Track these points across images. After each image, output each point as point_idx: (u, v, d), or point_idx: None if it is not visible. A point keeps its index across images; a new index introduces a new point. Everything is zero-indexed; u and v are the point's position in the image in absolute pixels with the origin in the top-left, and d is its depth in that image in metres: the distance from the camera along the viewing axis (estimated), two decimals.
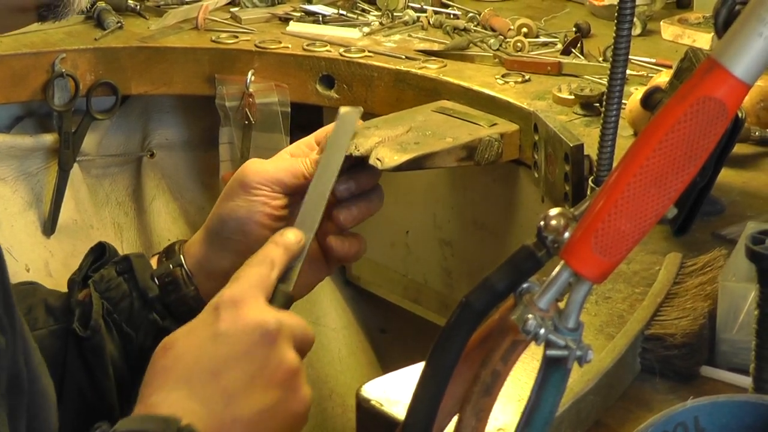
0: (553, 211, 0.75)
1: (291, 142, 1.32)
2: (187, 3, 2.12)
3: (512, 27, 1.99)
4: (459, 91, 1.75)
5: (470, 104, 1.71)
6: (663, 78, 1.54)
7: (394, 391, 1.04)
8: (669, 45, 1.97)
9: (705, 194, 1.28)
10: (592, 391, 0.98)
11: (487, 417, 0.77)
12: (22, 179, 2.06)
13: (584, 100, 1.67)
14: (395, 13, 2.09)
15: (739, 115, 1.28)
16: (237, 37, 2.00)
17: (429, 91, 1.79)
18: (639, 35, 1.98)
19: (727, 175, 1.41)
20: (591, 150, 1.40)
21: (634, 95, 1.56)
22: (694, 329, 1.04)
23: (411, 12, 2.09)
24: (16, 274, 1.98)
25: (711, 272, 1.14)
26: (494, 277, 0.75)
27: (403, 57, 1.89)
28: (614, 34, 1.27)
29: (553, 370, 0.74)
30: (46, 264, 2.06)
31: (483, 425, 0.77)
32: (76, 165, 2.06)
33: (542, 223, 0.74)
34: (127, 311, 1.19)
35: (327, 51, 1.93)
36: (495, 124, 1.62)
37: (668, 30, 2.00)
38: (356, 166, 1.24)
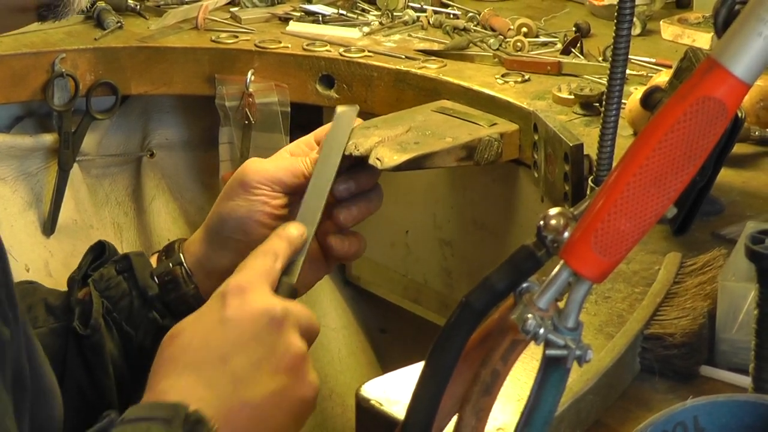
0: (553, 211, 0.75)
1: (291, 142, 1.32)
2: (186, 3, 2.12)
3: (512, 27, 1.99)
4: (459, 91, 1.75)
5: (470, 104, 1.71)
6: (663, 78, 1.54)
7: (394, 390, 1.04)
8: (669, 45, 1.97)
9: (704, 194, 1.27)
10: (592, 390, 0.98)
11: (486, 416, 0.77)
12: (22, 179, 2.06)
13: (584, 100, 1.67)
14: (395, 13, 2.09)
15: (739, 114, 1.28)
16: (237, 37, 2.00)
17: (429, 90, 1.79)
18: (639, 35, 1.98)
19: (726, 175, 1.41)
20: (591, 150, 1.40)
21: (633, 95, 1.56)
22: (694, 329, 1.04)
23: (411, 12, 2.09)
24: (16, 274, 1.95)
25: (710, 272, 1.14)
26: (494, 277, 0.75)
27: (403, 57, 1.89)
28: (614, 34, 1.27)
29: (552, 370, 0.74)
30: (46, 264, 2.06)
31: (483, 425, 0.77)
32: (75, 165, 2.06)
33: (542, 222, 0.74)
34: (127, 310, 1.19)
35: (327, 51, 1.93)
36: (495, 124, 1.62)
37: (668, 30, 2.00)
38: (356, 165, 1.25)
